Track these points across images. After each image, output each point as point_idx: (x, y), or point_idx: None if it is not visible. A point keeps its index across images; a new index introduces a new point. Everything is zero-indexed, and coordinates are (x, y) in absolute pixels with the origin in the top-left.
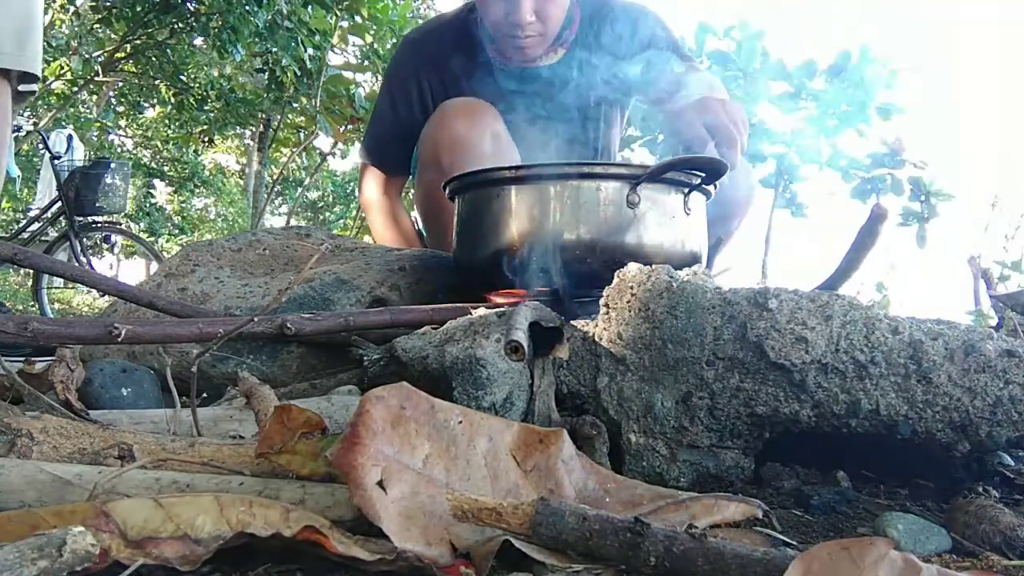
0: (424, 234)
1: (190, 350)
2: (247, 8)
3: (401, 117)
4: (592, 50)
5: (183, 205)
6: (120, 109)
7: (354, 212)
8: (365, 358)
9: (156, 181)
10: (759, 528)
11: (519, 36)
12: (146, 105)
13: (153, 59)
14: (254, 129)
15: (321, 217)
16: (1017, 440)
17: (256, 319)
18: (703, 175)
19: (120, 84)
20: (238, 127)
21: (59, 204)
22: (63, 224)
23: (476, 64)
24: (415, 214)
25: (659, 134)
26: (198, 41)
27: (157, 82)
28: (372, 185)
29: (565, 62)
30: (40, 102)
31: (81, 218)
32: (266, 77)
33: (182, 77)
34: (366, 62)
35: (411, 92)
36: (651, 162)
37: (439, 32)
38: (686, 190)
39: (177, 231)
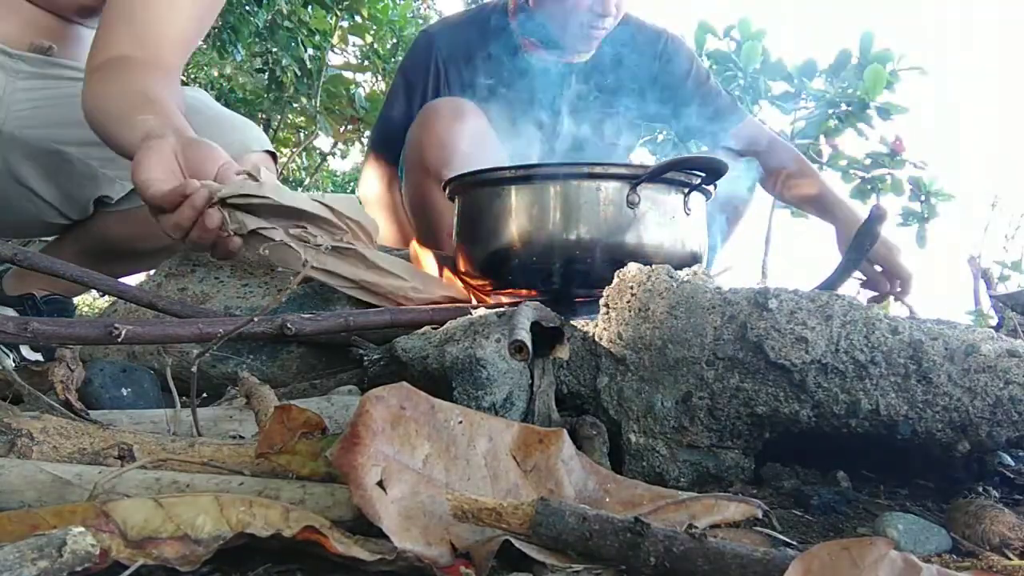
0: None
1: (190, 350)
2: (247, 8)
3: (415, 108)
4: (616, 52)
5: None
6: None
7: None
8: (365, 358)
9: None
10: (759, 528)
11: (598, 27)
12: None
13: None
14: None
15: None
16: (1017, 440)
17: (256, 319)
18: (703, 175)
19: None
20: None
21: None
22: None
23: (500, 56)
24: None
25: (659, 133)
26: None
27: None
28: (374, 179)
29: (593, 60)
30: None
31: None
32: (266, 77)
33: (182, 77)
34: (366, 62)
35: (427, 82)
36: (651, 162)
37: (460, 26)
38: (686, 190)
39: None
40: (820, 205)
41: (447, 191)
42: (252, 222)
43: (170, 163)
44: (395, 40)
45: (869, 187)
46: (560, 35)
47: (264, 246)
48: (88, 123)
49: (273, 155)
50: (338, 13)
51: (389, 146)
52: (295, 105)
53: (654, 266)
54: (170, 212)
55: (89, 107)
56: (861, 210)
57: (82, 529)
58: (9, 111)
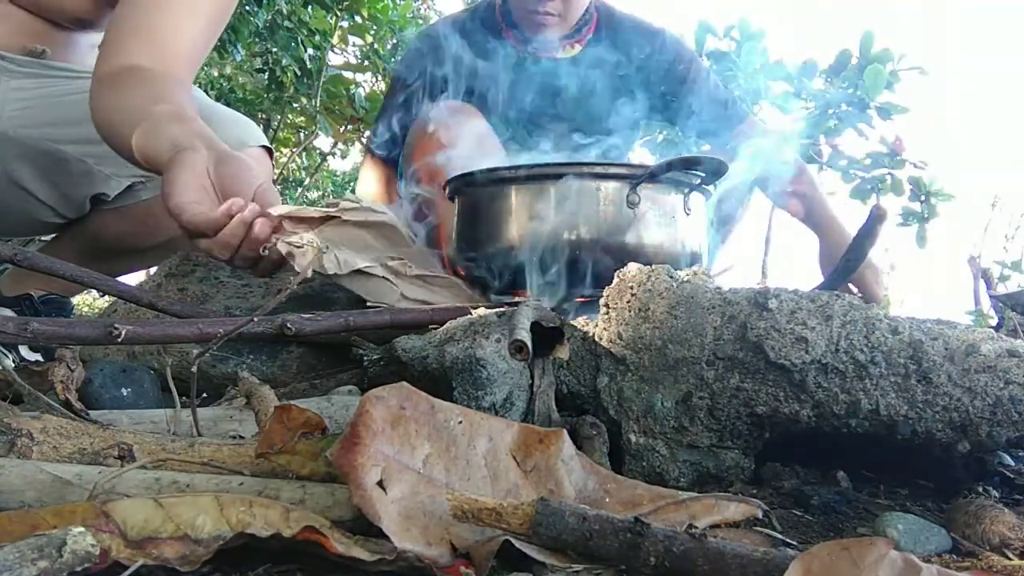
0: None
1: (190, 350)
2: (247, 8)
3: (413, 109)
4: (607, 50)
5: None
6: None
7: None
8: (365, 358)
9: None
10: (759, 528)
11: (539, 11)
12: None
13: None
14: None
15: None
16: (1017, 440)
17: (256, 319)
18: (703, 175)
19: None
20: None
21: None
22: None
23: (493, 55)
24: None
25: (659, 133)
26: None
27: None
28: (372, 180)
29: (582, 57)
30: None
31: None
32: (266, 77)
33: None
34: (366, 62)
35: (424, 83)
36: (651, 162)
37: (456, 25)
38: (686, 190)
39: None
40: (812, 216)
41: (447, 191)
42: (357, 260)
43: (202, 180)
44: (395, 40)
45: (869, 187)
46: (518, 21)
47: (359, 284)
48: (99, 130)
49: (269, 151)
50: (338, 13)
51: (388, 147)
52: (295, 105)
53: (654, 266)
54: (211, 237)
55: (102, 114)
56: (855, 222)
57: (82, 529)
58: (2, 111)
